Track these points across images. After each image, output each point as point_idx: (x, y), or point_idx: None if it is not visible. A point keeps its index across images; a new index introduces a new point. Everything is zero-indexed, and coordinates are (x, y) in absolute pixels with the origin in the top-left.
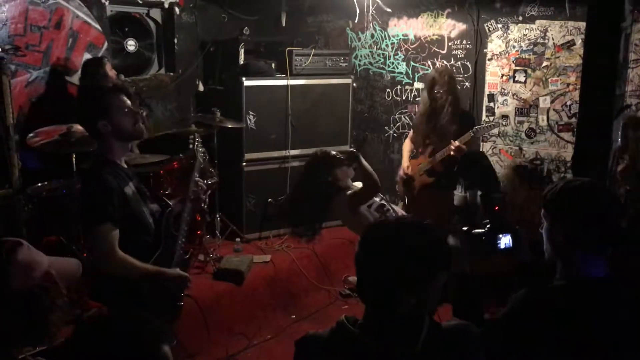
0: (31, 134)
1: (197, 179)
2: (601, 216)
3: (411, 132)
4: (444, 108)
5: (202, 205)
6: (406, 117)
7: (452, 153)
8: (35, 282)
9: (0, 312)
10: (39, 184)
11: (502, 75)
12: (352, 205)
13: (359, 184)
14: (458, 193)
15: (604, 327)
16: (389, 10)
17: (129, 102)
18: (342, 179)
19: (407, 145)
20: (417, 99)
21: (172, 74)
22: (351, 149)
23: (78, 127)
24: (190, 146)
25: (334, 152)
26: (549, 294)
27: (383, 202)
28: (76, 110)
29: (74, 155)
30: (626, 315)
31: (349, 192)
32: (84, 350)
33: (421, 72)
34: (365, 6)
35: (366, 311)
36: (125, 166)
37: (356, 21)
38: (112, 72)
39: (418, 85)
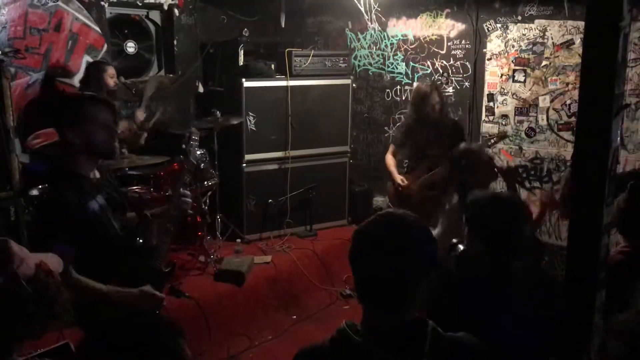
0: (31, 136)
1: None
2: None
3: (392, 146)
4: (437, 120)
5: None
6: None
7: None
8: (32, 271)
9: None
10: (40, 186)
11: (502, 75)
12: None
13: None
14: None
15: None
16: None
17: (109, 116)
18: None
19: (391, 160)
20: None
21: (171, 75)
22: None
23: None
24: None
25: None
26: None
27: None
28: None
29: None
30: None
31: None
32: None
33: (420, 72)
34: (366, 6)
35: (365, 314)
36: (97, 175)
37: (355, 22)
38: (112, 81)
39: None
